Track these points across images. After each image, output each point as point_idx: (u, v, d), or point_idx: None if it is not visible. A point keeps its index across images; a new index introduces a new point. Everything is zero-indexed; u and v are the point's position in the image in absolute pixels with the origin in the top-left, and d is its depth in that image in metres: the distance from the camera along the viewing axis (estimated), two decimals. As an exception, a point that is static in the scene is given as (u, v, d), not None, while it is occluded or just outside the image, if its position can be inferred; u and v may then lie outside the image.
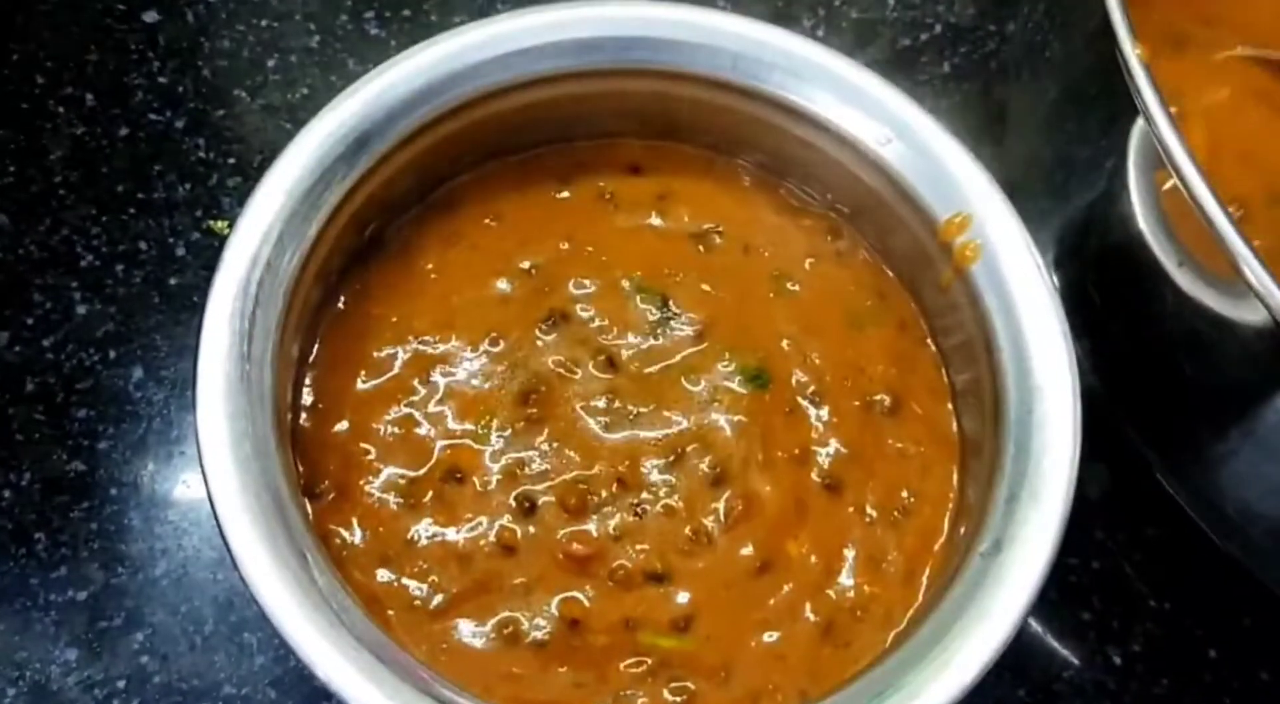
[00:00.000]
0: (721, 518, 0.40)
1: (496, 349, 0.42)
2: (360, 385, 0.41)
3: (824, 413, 0.42)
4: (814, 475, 0.41)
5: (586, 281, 0.44)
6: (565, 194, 0.46)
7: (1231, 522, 0.43)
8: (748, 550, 0.40)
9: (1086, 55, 0.43)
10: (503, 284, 0.44)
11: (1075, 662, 0.47)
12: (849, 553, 0.40)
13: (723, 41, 0.43)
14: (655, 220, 0.45)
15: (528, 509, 0.40)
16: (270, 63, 0.56)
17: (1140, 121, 0.37)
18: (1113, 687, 0.47)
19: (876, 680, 0.36)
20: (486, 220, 0.45)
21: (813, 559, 0.40)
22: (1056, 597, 0.48)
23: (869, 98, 0.42)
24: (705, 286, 0.44)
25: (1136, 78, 0.36)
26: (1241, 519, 0.42)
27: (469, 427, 0.41)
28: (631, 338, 0.43)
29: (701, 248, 0.45)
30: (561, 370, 0.42)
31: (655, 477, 0.41)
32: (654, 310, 0.43)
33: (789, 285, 0.44)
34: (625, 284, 0.44)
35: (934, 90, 0.57)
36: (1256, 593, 0.45)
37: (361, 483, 0.40)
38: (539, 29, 0.42)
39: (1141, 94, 0.36)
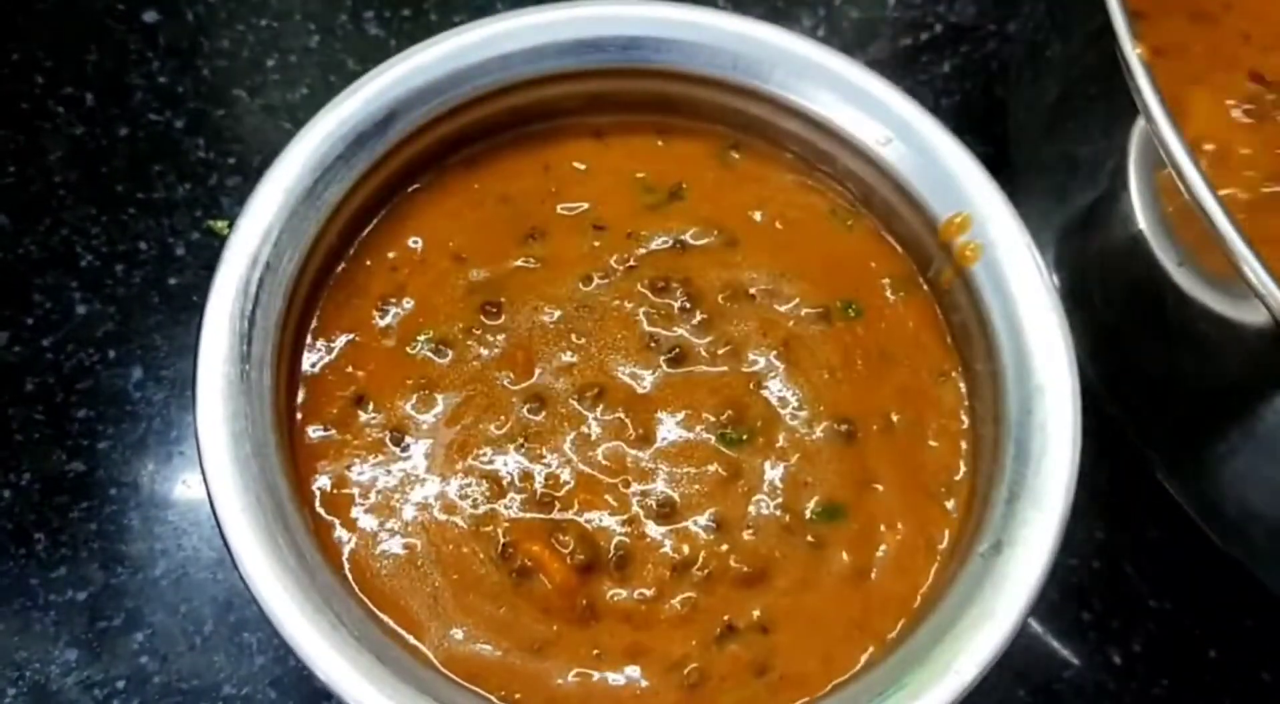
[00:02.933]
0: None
1: (465, 271, 0.42)
2: (326, 323, 0.41)
3: (901, 374, 0.41)
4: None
5: (571, 192, 0.42)
6: (554, 147, 0.44)
7: (1232, 522, 0.43)
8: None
9: (1087, 55, 0.43)
10: (479, 212, 0.43)
11: (1076, 662, 0.47)
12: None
13: (723, 41, 0.43)
14: (661, 142, 0.44)
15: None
16: (270, 62, 0.56)
17: (1141, 121, 0.37)
18: (1113, 687, 0.47)
19: (878, 680, 0.36)
20: (470, 174, 0.44)
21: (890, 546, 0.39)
22: (1057, 597, 0.48)
23: (869, 97, 0.42)
24: (740, 197, 0.41)
25: (1137, 77, 0.36)
26: (1242, 520, 0.42)
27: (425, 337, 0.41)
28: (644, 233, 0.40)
29: (725, 165, 0.43)
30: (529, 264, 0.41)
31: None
32: (665, 198, 0.41)
33: (846, 221, 0.43)
34: (633, 177, 0.42)
35: (934, 90, 0.57)
36: (1257, 594, 0.45)
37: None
38: (539, 29, 0.42)
39: (1142, 93, 0.36)
